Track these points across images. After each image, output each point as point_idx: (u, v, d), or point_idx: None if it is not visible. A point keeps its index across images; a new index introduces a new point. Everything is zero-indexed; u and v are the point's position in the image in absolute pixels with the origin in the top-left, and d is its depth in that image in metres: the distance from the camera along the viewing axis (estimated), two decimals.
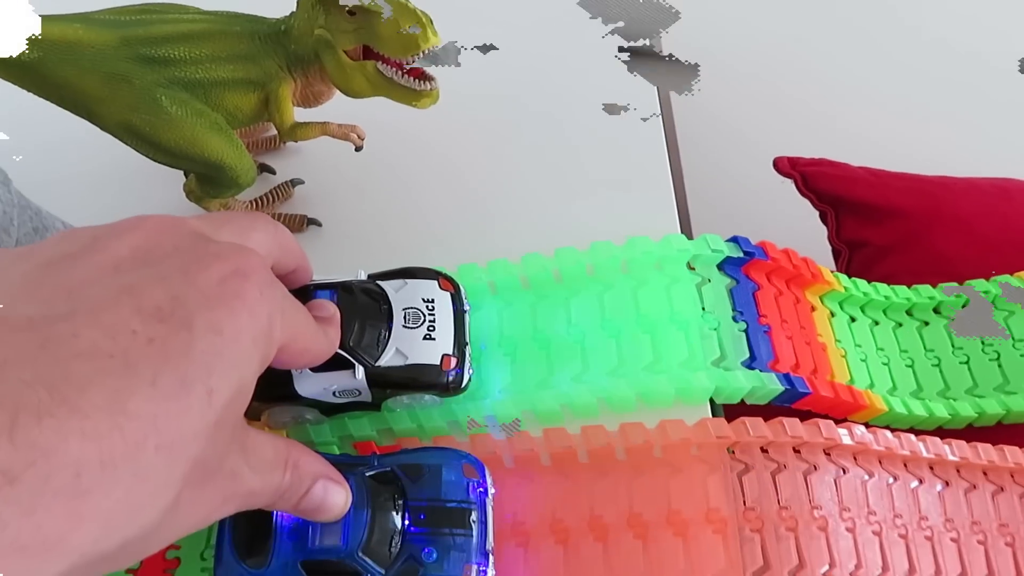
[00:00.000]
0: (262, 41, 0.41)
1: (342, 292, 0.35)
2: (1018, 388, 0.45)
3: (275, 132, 0.50)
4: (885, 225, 0.55)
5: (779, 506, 0.37)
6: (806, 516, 0.37)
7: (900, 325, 0.49)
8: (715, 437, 0.37)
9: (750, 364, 0.40)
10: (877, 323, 0.48)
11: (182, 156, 0.41)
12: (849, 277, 0.49)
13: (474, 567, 0.32)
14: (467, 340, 0.37)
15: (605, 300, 0.41)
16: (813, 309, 0.46)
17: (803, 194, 0.60)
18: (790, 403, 0.41)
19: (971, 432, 0.45)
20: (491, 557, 0.33)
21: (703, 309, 0.42)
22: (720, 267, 0.44)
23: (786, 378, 0.40)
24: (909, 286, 0.50)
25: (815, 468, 0.38)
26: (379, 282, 0.37)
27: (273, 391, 0.35)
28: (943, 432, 0.44)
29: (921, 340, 0.48)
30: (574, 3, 0.58)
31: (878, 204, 0.56)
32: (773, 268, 0.45)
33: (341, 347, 0.34)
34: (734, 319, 0.42)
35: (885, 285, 0.49)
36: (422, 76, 0.41)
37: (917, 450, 0.40)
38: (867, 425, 0.40)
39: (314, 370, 0.34)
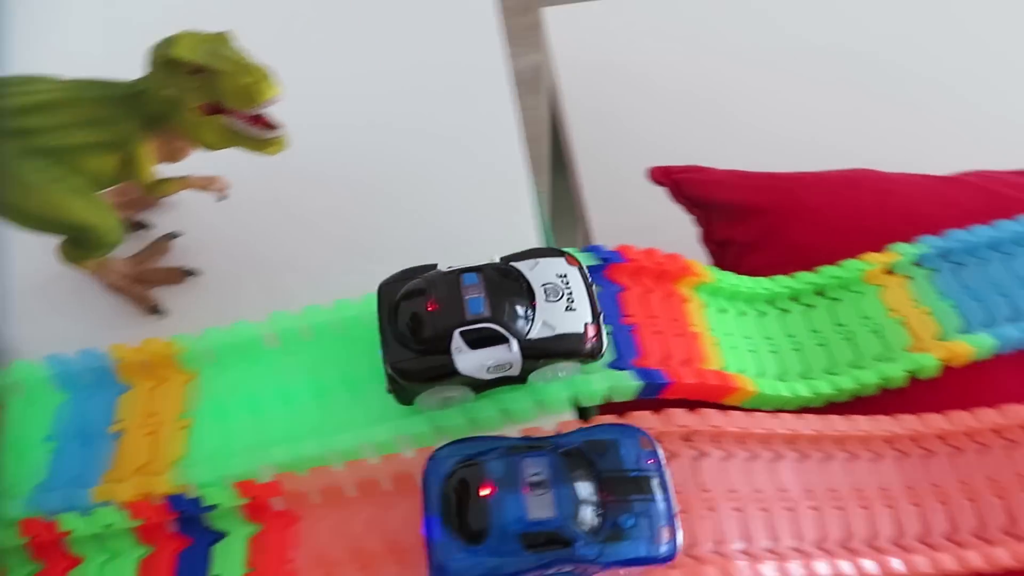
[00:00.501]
0: (117, 104, 0.44)
1: (486, 273, 0.40)
2: (867, 363, 0.49)
3: None
4: (747, 223, 0.59)
5: None
6: None
7: (764, 314, 0.52)
8: None
9: (616, 363, 0.43)
10: (744, 313, 0.52)
11: (47, 222, 0.43)
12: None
13: (668, 529, 0.36)
14: (600, 309, 0.41)
15: None
16: (686, 301, 0.49)
17: (676, 201, 0.63)
18: (656, 395, 0.43)
19: (832, 408, 0.48)
20: (677, 520, 0.36)
21: None
22: None
23: (643, 372, 0.43)
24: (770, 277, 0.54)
25: (674, 455, 0.42)
26: (512, 263, 0.41)
27: (434, 369, 0.39)
28: (807, 411, 0.48)
29: (783, 326, 0.52)
30: (435, 27, 0.61)
31: (740, 204, 0.60)
32: (637, 268, 0.48)
33: (497, 322, 0.38)
34: None
35: (749, 277, 0.53)
36: (266, 125, 0.44)
37: (772, 427, 0.44)
38: (726, 409, 0.44)
39: (472, 347, 0.38)
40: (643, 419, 0.41)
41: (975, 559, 0.42)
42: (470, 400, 0.41)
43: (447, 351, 0.38)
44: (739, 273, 0.57)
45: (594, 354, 0.40)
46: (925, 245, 0.53)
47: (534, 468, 0.35)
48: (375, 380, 0.41)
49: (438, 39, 0.60)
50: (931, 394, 0.48)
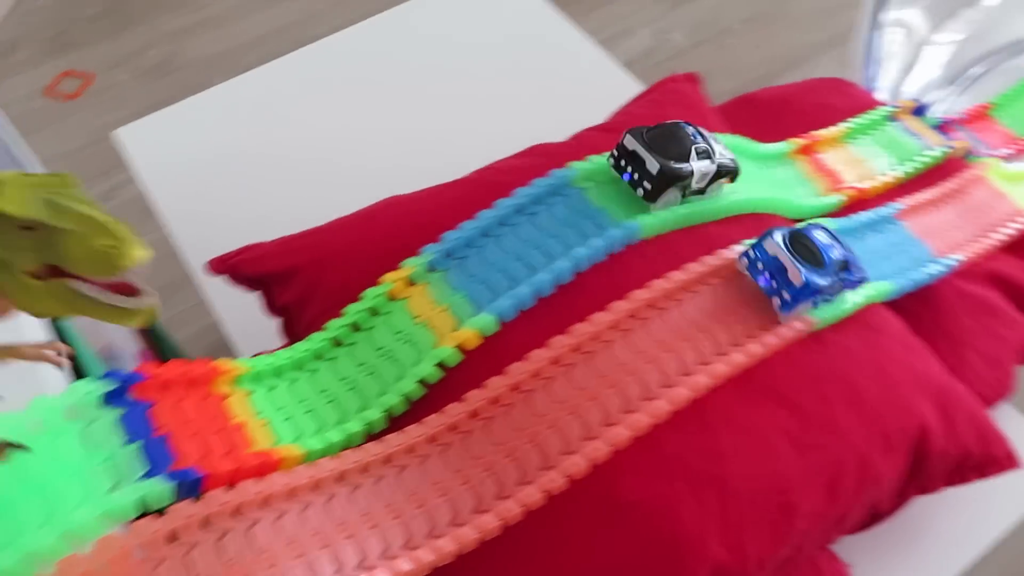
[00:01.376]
0: None
1: (673, 129, 0.66)
2: (389, 388, 0.56)
3: None
4: (293, 284, 0.65)
5: None
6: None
7: (315, 371, 0.58)
8: (115, 553, 0.42)
9: (147, 474, 0.46)
10: (296, 380, 0.57)
11: None
12: (254, 356, 0.57)
13: (862, 274, 0.65)
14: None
15: None
16: (225, 397, 0.53)
17: (237, 284, 0.67)
18: (198, 490, 0.47)
19: (394, 426, 0.55)
20: (859, 266, 0.66)
21: (91, 450, 0.47)
22: (108, 403, 0.50)
23: (173, 474, 0.46)
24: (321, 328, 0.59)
25: (227, 530, 0.45)
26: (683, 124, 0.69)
27: (684, 173, 0.64)
28: (371, 437, 0.54)
29: (335, 373, 0.58)
30: None
31: (284, 269, 0.65)
32: (164, 382, 0.51)
33: (708, 144, 0.66)
34: (127, 443, 0.48)
35: (285, 348, 0.58)
36: (128, 290, 0.37)
37: (316, 472, 0.49)
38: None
39: (698, 159, 0.65)
40: (183, 509, 0.45)
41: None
42: (676, 203, 0.67)
43: (688, 161, 0.64)
44: (300, 331, 0.62)
45: (738, 172, 0.68)
46: (429, 252, 0.61)
47: (823, 233, 0.63)
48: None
49: None
50: (469, 373, 0.55)
